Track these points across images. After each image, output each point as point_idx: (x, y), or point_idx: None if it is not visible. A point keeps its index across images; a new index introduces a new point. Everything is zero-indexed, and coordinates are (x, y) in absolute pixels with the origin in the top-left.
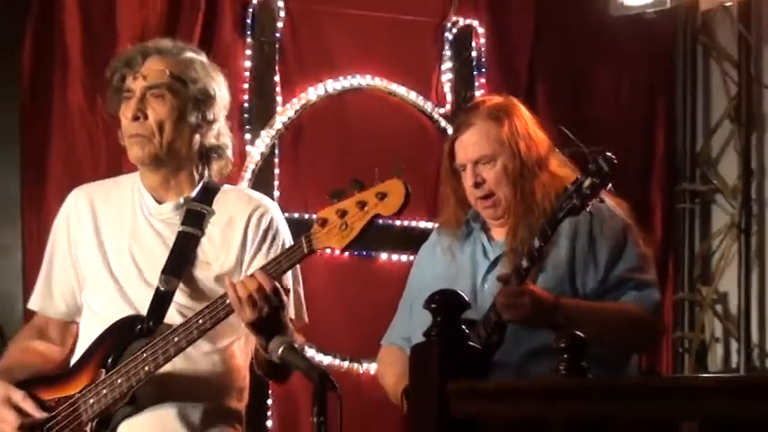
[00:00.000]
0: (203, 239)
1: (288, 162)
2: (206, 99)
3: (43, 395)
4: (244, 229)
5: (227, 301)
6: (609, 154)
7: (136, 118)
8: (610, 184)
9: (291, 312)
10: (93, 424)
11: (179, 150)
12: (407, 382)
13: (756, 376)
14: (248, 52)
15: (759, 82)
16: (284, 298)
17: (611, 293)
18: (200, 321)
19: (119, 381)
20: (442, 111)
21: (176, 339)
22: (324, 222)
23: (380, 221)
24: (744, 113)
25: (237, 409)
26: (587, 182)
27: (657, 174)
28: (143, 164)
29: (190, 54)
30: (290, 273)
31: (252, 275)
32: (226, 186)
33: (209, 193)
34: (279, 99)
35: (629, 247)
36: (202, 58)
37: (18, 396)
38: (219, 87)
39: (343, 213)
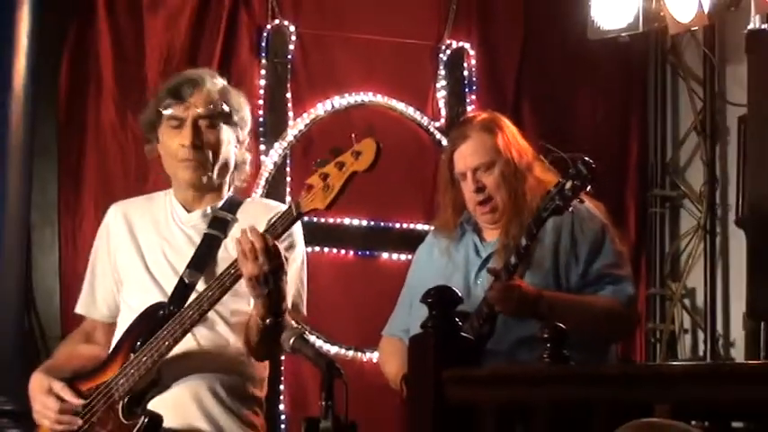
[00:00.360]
0: (226, 241)
1: (298, 171)
2: (243, 124)
3: (82, 387)
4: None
5: (232, 270)
6: (587, 159)
7: (195, 146)
8: (589, 186)
9: (289, 302)
10: (125, 401)
11: (224, 171)
12: (407, 370)
13: (720, 364)
14: (263, 72)
15: (722, 98)
16: (284, 261)
17: (591, 287)
18: (210, 293)
19: (143, 359)
20: (437, 124)
21: (190, 313)
22: (309, 188)
23: (381, 224)
24: (708, 127)
25: (260, 396)
26: (568, 184)
27: (631, 181)
28: (192, 185)
29: (224, 82)
30: (299, 273)
31: (256, 233)
32: (248, 199)
33: (234, 205)
34: (290, 114)
35: (607, 244)
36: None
37: (58, 386)
38: (248, 111)
39: (325, 177)
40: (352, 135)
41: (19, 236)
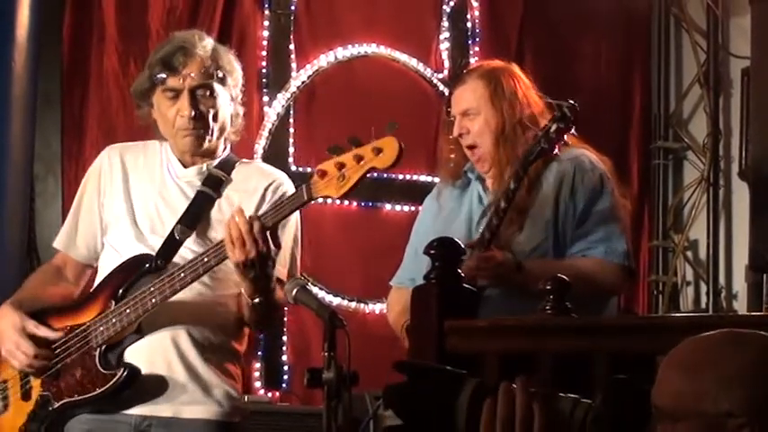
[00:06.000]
0: (220, 201)
1: (301, 121)
2: (235, 82)
3: (55, 323)
4: (261, 196)
5: None
6: (572, 102)
7: (193, 116)
8: (573, 129)
9: (285, 270)
10: (102, 349)
11: (222, 131)
12: (408, 317)
13: (723, 315)
14: (266, 23)
15: (725, 50)
16: (272, 247)
17: (583, 241)
18: (206, 259)
19: (127, 311)
20: (440, 76)
21: (183, 275)
22: (323, 174)
23: (384, 175)
24: (712, 79)
25: (238, 350)
26: (553, 127)
27: (634, 133)
28: (191, 152)
29: (213, 43)
30: (292, 235)
31: (243, 219)
32: (243, 160)
33: (228, 164)
34: (293, 65)
35: (605, 195)
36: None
37: (31, 324)
38: (238, 66)
39: (341, 166)
40: (372, 128)
41: (22, 186)
